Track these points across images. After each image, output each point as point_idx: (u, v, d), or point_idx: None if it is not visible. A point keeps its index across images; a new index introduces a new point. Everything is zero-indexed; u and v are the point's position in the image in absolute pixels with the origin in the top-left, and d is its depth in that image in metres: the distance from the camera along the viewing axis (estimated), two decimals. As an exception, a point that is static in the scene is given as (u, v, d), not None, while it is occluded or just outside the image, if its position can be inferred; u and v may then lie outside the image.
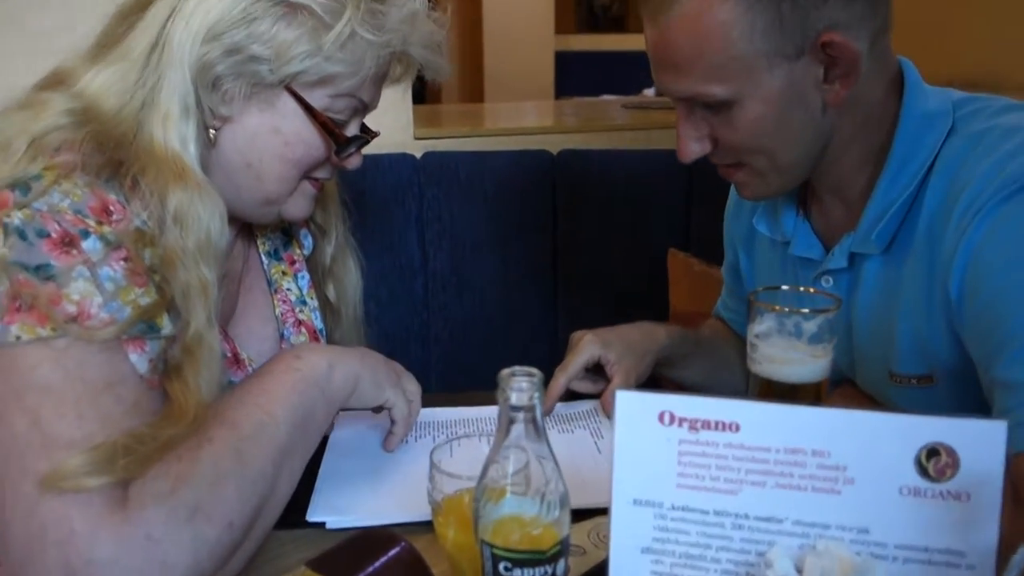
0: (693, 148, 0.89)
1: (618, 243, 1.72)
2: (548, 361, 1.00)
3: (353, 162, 0.90)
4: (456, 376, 1.69)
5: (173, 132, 0.76)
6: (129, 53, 0.77)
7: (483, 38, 6.99)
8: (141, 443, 0.66)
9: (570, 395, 1.06)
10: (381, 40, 0.81)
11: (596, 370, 1.05)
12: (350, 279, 1.10)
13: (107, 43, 0.80)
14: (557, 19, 7.27)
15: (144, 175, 0.74)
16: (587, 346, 1.02)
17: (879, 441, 0.55)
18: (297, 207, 0.90)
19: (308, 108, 0.82)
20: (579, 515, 0.69)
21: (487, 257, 1.71)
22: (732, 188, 1.16)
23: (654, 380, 1.10)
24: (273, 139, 0.83)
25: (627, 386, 1.01)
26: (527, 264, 1.73)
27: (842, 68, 0.82)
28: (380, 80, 0.88)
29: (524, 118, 2.56)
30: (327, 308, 1.08)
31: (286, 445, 0.75)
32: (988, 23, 3.13)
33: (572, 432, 0.99)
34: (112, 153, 0.74)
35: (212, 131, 0.81)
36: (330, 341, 1.08)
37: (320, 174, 0.89)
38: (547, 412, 1.02)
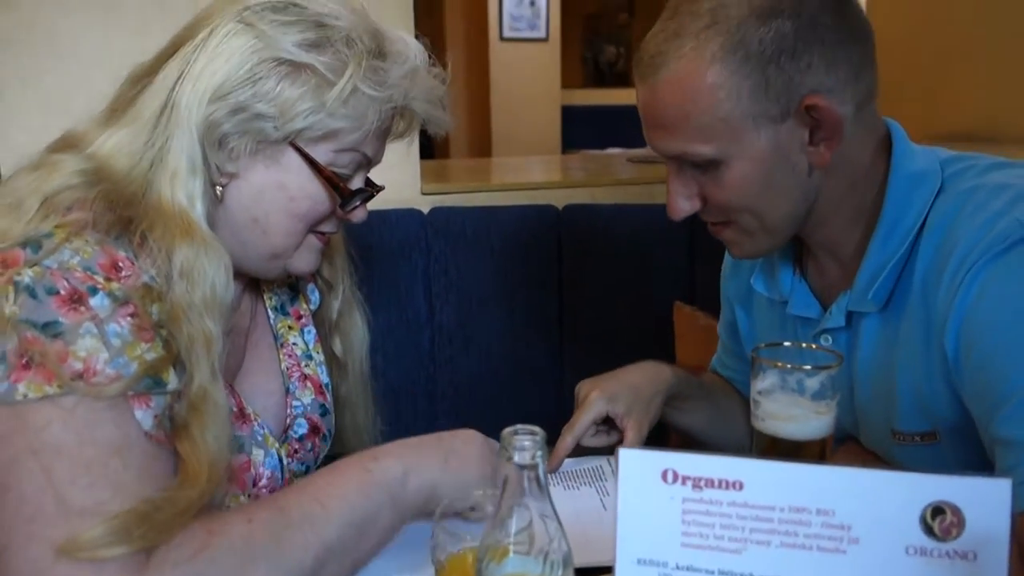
0: (683, 206, 0.91)
1: (624, 297, 1.72)
2: (555, 415, 1.01)
3: (358, 215, 0.91)
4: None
5: (180, 190, 0.78)
6: (140, 116, 0.79)
7: (490, 92, 7.10)
8: (158, 510, 0.66)
9: (581, 450, 1.04)
10: (383, 95, 0.83)
11: (606, 421, 1.04)
12: (356, 333, 1.10)
13: (119, 107, 0.82)
14: (563, 74, 7.41)
15: (152, 231, 0.76)
16: (594, 403, 1.01)
17: (884, 500, 0.55)
18: (303, 261, 0.91)
19: (312, 163, 0.83)
20: (584, 573, 0.68)
21: (493, 311, 1.72)
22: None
23: (659, 425, 1.09)
24: (279, 194, 0.84)
25: (640, 440, 0.99)
26: (533, 318, 1.74)
27: (826, 131, 0.84)
28: (384, 134, 0.90)
29: (530, 173, 2.59)
30: (333, 362, 1.09)
31: (334, 543, 0.73)
32: (986, 78, 3.18)
33: (578, 489, 0.98)
34: (122, 211, 0.76)
35: (219, 188, 0.83)
36: (336, 396, 1.08)
37: (326, 228, 0.91)
38: (553, 470, 1.00)
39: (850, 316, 0.94)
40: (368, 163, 0.90)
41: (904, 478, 0.55)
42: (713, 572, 0.57)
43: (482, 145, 7.22)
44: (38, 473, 0.65)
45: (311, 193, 0.85)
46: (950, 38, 3.32)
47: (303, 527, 0.72)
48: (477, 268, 1.70)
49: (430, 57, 0.91)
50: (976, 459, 0.81)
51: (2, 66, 1.55)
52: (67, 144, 0.81)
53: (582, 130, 7.39)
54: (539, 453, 0.57)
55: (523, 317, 1.73)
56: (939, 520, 0.54)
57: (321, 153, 0.84)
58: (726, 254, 1.18)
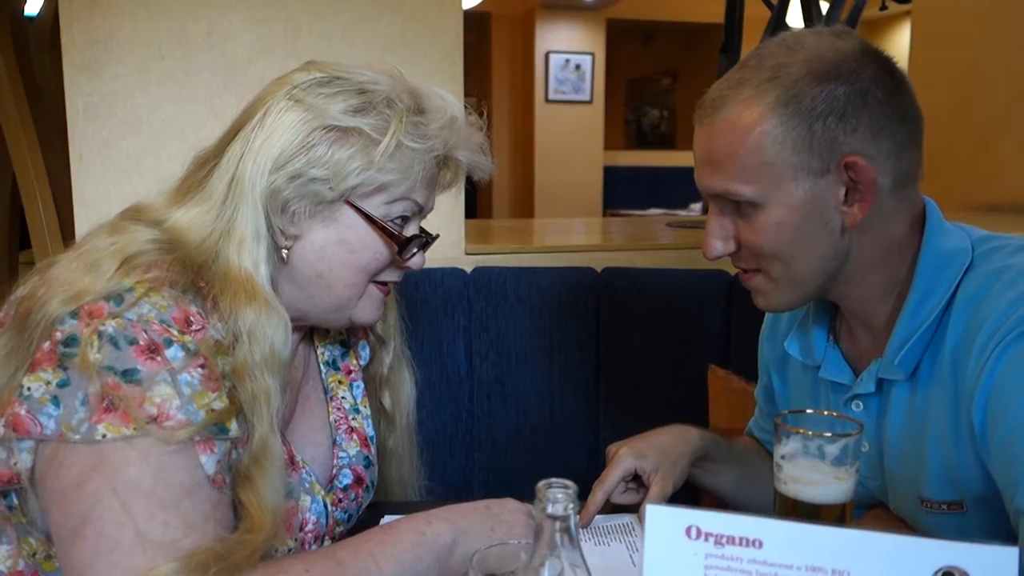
0: (717, 246, 0.96)
1: (660, 358, 1.74)
2: (589, 472, 1.05)
3: (416, 262, 0.96)
4: (498, 484, 1.70)
5: (247, 256, 0.85)
6: (211, 194, 0.87)
7: (535, 153, 7.21)
8: (231, 552, 0.71)
9: (612, 507, 1.08)
10: (426, 146, 0.90)
11: (636, 479, 1.08)
12: (405, 388, 1.16)
13: (189, 188, 0.90)
14: (607, 136, 7.51)
15: (223, 296, 0.83)
16: (623, 459, 1.05)
17: (897, 563, 0.57)
18: (366, 311, 0.96)
19: (367, 217, 0.90)
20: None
21: (532, 368, 1.75)
22: (768, 313, 1.22)
23: (689, 486, 1.12)
24: (339, 249, 0.91)
25: (663, 495, 1.03)
26: (571, 376, 1.76)
27: (861, 192, 0.89)
28: (431, 183, 0.96)
29: (571, 235, 2.64)
30: (381, 415, 1.14)
31: None
32: (1019, 153, 3.18)
33: (608, 545, 1.01)
34: (195, 277, 0.83)
35: (284, 250, 0.90)
36: (382, 448, 1.13)
37: (387, 277, 0.96)
38: (585, 525, 1.03)
39: (880, 383, 0.97)
40: (420, 210, 0.96)
41: (916, 543, 0.58)
42: None
43: (525, 204, 7.32)
44: (118, 508, 0.70)
45: (369, 244, 0.91)
46: (994, 110, 3.33)
47: None
48: (517, 326, 1.74)
49: (467, 108, 0.98)
50: (1003, 530, 0.82)
51: (85, 132, 1.67)
52: (138, 213, 0.89)
53: (624, 190, 7.46)
54: (571, 505, 0.61)
55: (560, 375, 1.75)
56: None
57: (375, 206, 0.90)
58: (765, 320, 1.21)
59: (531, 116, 7.22)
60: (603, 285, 1.77)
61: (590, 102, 7.31)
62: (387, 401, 1.14)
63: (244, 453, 0.81)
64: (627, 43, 8.26)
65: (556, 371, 1.76)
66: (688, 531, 0.61)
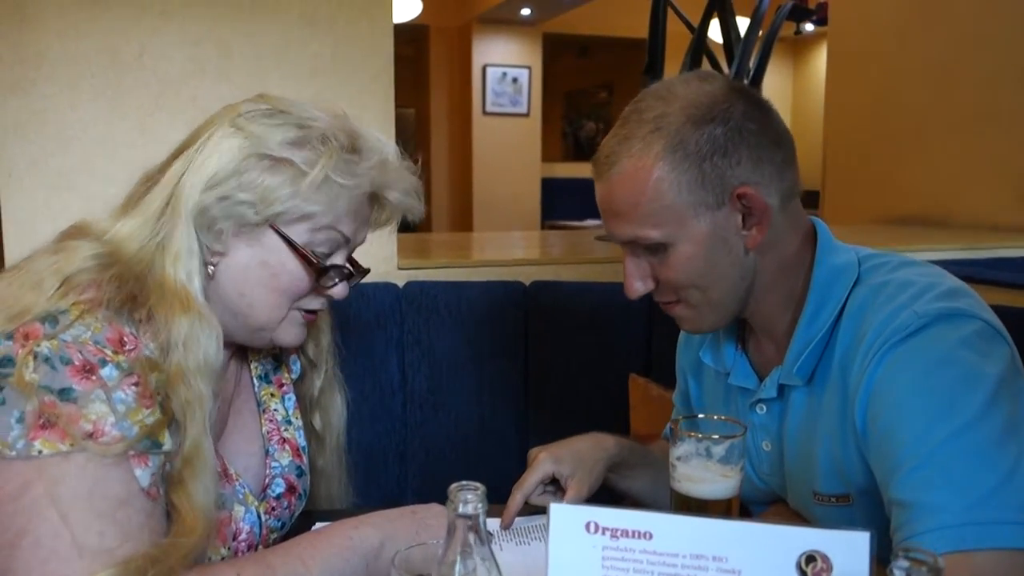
0: (637, 286, 1.03)
1: (585, 368, 1.81)
2: (518, 476, 1.10)
3: (338, 292, 0.99)
4: (431, 491, 1.72)
5: (181, 269, 0.89)
6: (148, 208, 0.92)
7: (473, 165, 7.25)
8: (165, 556, 0.75)
9: (532, 510, 1.12)
10: (352, 183, 0.94)
11: (554, 483, 1.13)
12: (335, 410, 1.19)
13: (131, 202, 0.94)
14: (544, 148, 7.60)
15: (159, 305, 0.87)
16: (542, 464, 1.10)
17: (767, 549, 0.63)
18: (288, 334, 1.00)
19: (289, 242, 0.94)
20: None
21: (463, 379, 1.80)
22: (681, 322, 1.30)
23: (611, 492, 1.18)
24: (262, 271, 0.94)
25: (579, 498, 1.08)
26: (500, 386, 1.82)
27: (756, 217, 0.97)
28: (360, 218, 1.00)
29: (505, 249, 2.70)
30: (312, 435, 1.17)
31: None
32: (937, 166, 3.36)
33: (528, 544, 1.07)
34: (131, 289, 0.87)
35: (211, 267, 0.94)
36: (313, 467, 1.16)
37: (309, 303, 1.00)
38: (506, 526, 1.08)
39: (781, 389, 1.05)
40: (347, 242, 0.99)
41: (784, 531, 0.64)
42: None
43: (464, 216, 7.35)
44: (55, 520, 0.73)
45: (290, 269, 0.95)
46: (905, 128, 3.52)
47: None
48: (448, 338, 1.79)
49: (403, 154, 1.03)
50: (884, 519, 0.89)
51: (13, 150, 1.67)
52: (80, 232, 0.92)
53: (562, 202, 7.56)
54: (480, 505, 0.66)
55: (490, 385, 1.81)
56: (812, 566, 0.62)
57: (299, 233, 0.94)
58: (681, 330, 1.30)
59: (469, 129, 7.27)
60: (530, 298, 1.84)
61: (527, 115, 7.40)
62: (317, 422, 1.18)
63: (177, 457, 0.84)
64: (563, 57, 8.40)
65: (486, 381, 1.81)
66: (587, 526, 0.67)
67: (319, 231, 0.95)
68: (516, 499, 1.09)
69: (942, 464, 0.81)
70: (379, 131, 1.03)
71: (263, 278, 0.95)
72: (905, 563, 0.53)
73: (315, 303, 1.00)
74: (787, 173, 1.00)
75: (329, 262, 0.98)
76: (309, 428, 1.17)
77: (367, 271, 1.07)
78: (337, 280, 0.99)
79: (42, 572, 0.71)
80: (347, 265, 1.01)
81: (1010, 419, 0.82)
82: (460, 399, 1.80)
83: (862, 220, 3.56)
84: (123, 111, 1.72)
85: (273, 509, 1.06)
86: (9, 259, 1.41)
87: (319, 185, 0.92)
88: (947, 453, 0.81)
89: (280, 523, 1.08)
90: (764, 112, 1.00)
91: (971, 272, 1.86)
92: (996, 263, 2.60)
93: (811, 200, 3.89)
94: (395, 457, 1.78)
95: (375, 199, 1.01)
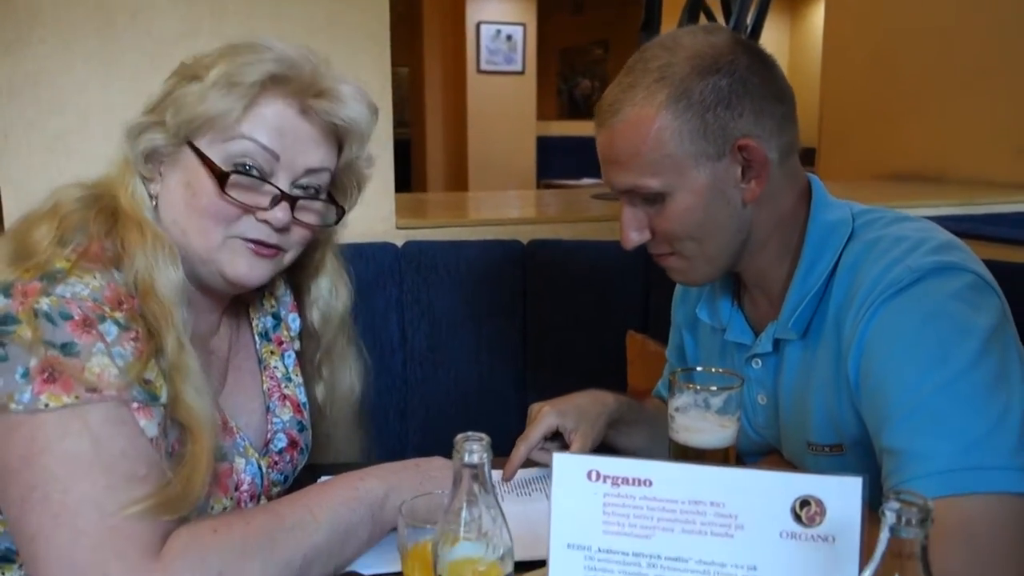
0: (633, 236, 1.04)
1: (582, 325, 1.83)
2: (517, 432, 1.12)
3: (276, 217, 0.93)
4: (431, 447, 1.75)
5: (132, 196, 0.93)
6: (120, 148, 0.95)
7: (467, 124, 7.20)
8: (175, 500, 0.78)
9: (533, 464, 1.14)
10: (246, 72, 0.92)
11: (555, 437, 1.15)
12: (337, 386, 1.19)
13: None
14: (539, 106, 7.54)
15: (122, 232, 0.90)
16: (545, 417, 1.12)
17: (763, 494, 0.66)
18: (232, 266, 0.95)
19: (203, 157, 0.92)
20: (531, 566, 0.80)
21: (462, 337, 1.82)
22: (680, 278, 1.31)
23: (604, 446, 1.19)
24: (185, 192, 0.94)
25: (584, 450, 1.10)
26: (499, 344, 1.84)
27: (755, 170, 0.98)
28: (286, 130, 0.94)
29: (501, 209, 2.71)
30: (312, 400, 1.18)
31: (321, 547, 0.84)
32: (933, 123, 3.36)
33: (529, 495, 1.10)
34: (111, 223, 0.90)
35: (154, 200, 0.95)
36: (315, 426, 1.18)
37: (247, 231, 0.94)
38: (508, 479, 1.11)
39: (777, 343, 1.07)
40: (276, 158, 0.94)
41: (779, 477, 0.66)
42: (628, 554, 0.68)
43: (459, 176, 7.31)
44: (63, 475, 0.74)
45: (207, 187, 0.92)
46: (901, 86, 3.51)
47: (295, 531, 0.83)
48: (447, 298, 1.81)
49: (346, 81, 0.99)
50: (876, 468, 0.91)
51: (9, 111, 1.67)
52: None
53: (557, 160, 7.51)
54: (485, 455, 0.68)
55: (489, 343, 1.83)
56: (806, 510, 0.65)
57: (213, 146, 0.92)
58: (677, 285, 1.31)
59: (463, 87, 7.20)
60: (528, 257, 1.85)
61: (522, 73, 7.33)
62: (318, 392, 1.18)
63: (165, 364, 0.86)
64: (558, 13, 8.29)
65: (485, 339, 1.83)
66: (589, 474, 0.69)
67: (232, 141, 0.92)
68: (520, 452, 1.11)
69: (933, 412, 0.83)
70: (376, 91, 1.02)
71: (187, 200, 0.93)
72: (896, 504, 0.55)
73: (255, 231, 0.95)
74: (787, 128, 1.01)
75: (273, 183, 0.94)
76: (312, 398, 1.18)
77: (299, 198, 0.97)
78: (269, 205, 0.93)
79: (53, 525, 0.73)
80: (280, 188, 0.94)
81: (999, 368, 0.84)
82: (459, 357, 1.82)
83: (858, 176, 3.56)
84: (118, 72, 1.71)
85: (275, 463, 1.08)
86: (8, 221, 1.42)
87: (215, 82, 0.91)
88: (938, 401, 0.83)
89: (283, 476, 1.10)
90: (768, 67, 1.00)
91: (967, 228, 1.86)
92: (992, 219, 2.62)
93: (807, 157, 3.90)
94: (396, 414, 1.81)
95: (305, 110, 0.95)
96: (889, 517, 0.55)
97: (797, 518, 0.65)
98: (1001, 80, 3.08)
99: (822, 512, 0.65)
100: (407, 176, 7.40)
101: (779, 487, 0.66)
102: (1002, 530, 0.78)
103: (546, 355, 1.85)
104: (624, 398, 1.24)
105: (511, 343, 1.85)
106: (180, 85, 0.94)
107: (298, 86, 0.95)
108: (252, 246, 0.95)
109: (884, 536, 0.56)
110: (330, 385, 1.18)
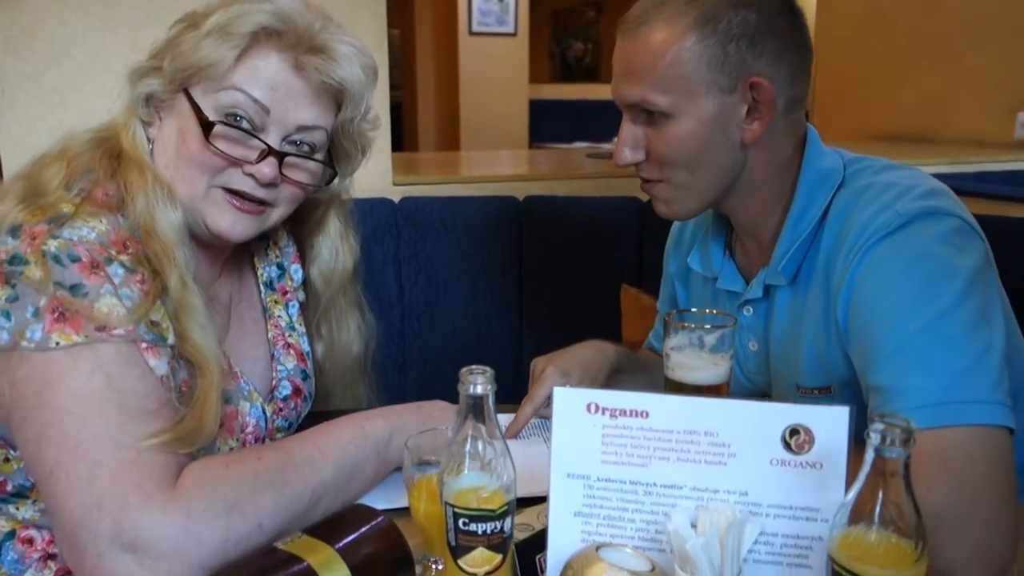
0: (627, 154, 1.05)
1: (578, 280, 1.86)
2: (514, 386, 1.13)
3: (263, 172, 0.93)
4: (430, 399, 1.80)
5: (132, 138, 0.95)
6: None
7: (459, 86, 7.14)
8: (187, 436, 0.80)
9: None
10: (238, 23, 0.92)
11: None
12: (335, 345, 1.22)
13: None
14: (531, 69, 7.48)
15: (127, 173, 0.92)
16: (550, 378, 1.13)
17: (754, 423, 0.69)
18: (215, 219, 0.95)
19: (194, 104, 0.93)
20: (530, 502, 0.82)
21: (459, 292, 1.85)
22: (672, 229, 1.34)
23: None
24: (177, 139, 0.95)
25: None
26: (495, 299, 1.86)
27: (761, 111, 0.99)
28: (278, 85, 0.94)
29: (495, 167, 2.72)
30: (315, 360, 1.20)
31: (328, 482, 0.86)
32: (925, 84, 3.37)
33: (528, 439, 1.13)
34: (114, 165, 0.93)
35: (151, 144, 0.97)
36: (318, 376, 1.20)
37: (231, 181, 0.95)
38: (512, 436, 1.11)
39: (767, 289, 1.09)
40: (267, 112, 0.93)
41: (769, 407, 0.70)
42: (625, 483, 0.71)
43: (451, 137, 7.26)
44: (77, 412, 0.76)
45: (195, 133, 0.92)
46: (893, 47, 3.51)
47: (304, 467, 0.85)
48: (444, 253, 1.83)
49: (338, 29, 0.99)
50: (862, 410, 0.96)
51: (5, 65, 1.67)
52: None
53: (549, 124, 7.46)
54: (489, 386, 0.71)
55: (486, 298, 1.85)
56: (795, 438, 0.67)
57: (206, 95, 0.93)
58: (669, 236, 1.33)
59: (455, 49, 7.12)
60: (524, 212, 1.87)
61: (514, 35, 7.24)
62: (319, 350, 1.20)
63: (170, 305, 0.88)
64: (550, -26, 8.19)
65: (482, 294, 1.85)
66: (588, 407, 0.72)
67: (223, 91, 0.93)
68: (526, 411, 1.12)
69: (918, 350, 0.86)
70: (371, 50, 1.03)
71: (177, 146, 0.94)
72: (880, 426, 0.58)
73: (240, 182, 0.95)
74: (800, 81, 1.02)
75: (263, 139, 0.94)
76: (312, 344, 1.21)
77: (287, 154, 0.96)
78: (256, 158, 0.93)
79: (71, 460, 0.74)
80: (268, 143, 0.94)
81: (982, 308, 0.87)
82: (457, 311, 1.85)
83: (851, 137, 3.58)
84: (114, 26, 1.71)
85: (280, 410, 1.10)
86: (7, 175, 1.43)
87: (209, 31, 0.92)
88: (923, 340, 0.86)
89: (287, 423, 1.12)
90: (796, 15, 1.02)
91: (958, 185, 1.88)
92: (982, 176, 2.64)
93: (800, 118, 3.88)
94: (394, 368, 1.84)
95: (298, 65, 0.95)
96: (874, 438, 0.58)
97: (787, 446, 0.68)
98: (993, 41, 3.09)
99: (811, 440, 0.68)
100: (399, 140, 7.36)
101: (770, 417, 0.69)
102: (980, 459, 0.81)
103: (542, 309, 1.88)
104: (624, 348, 1.26)
105: (508, 297, 1.87)
106: (182, 32, 0.95)
107: (292, 40, 0.95)
108: (235, 200, 0.95)
109: (869, 456, 0.59)
110: (328, 343, 1.20)
